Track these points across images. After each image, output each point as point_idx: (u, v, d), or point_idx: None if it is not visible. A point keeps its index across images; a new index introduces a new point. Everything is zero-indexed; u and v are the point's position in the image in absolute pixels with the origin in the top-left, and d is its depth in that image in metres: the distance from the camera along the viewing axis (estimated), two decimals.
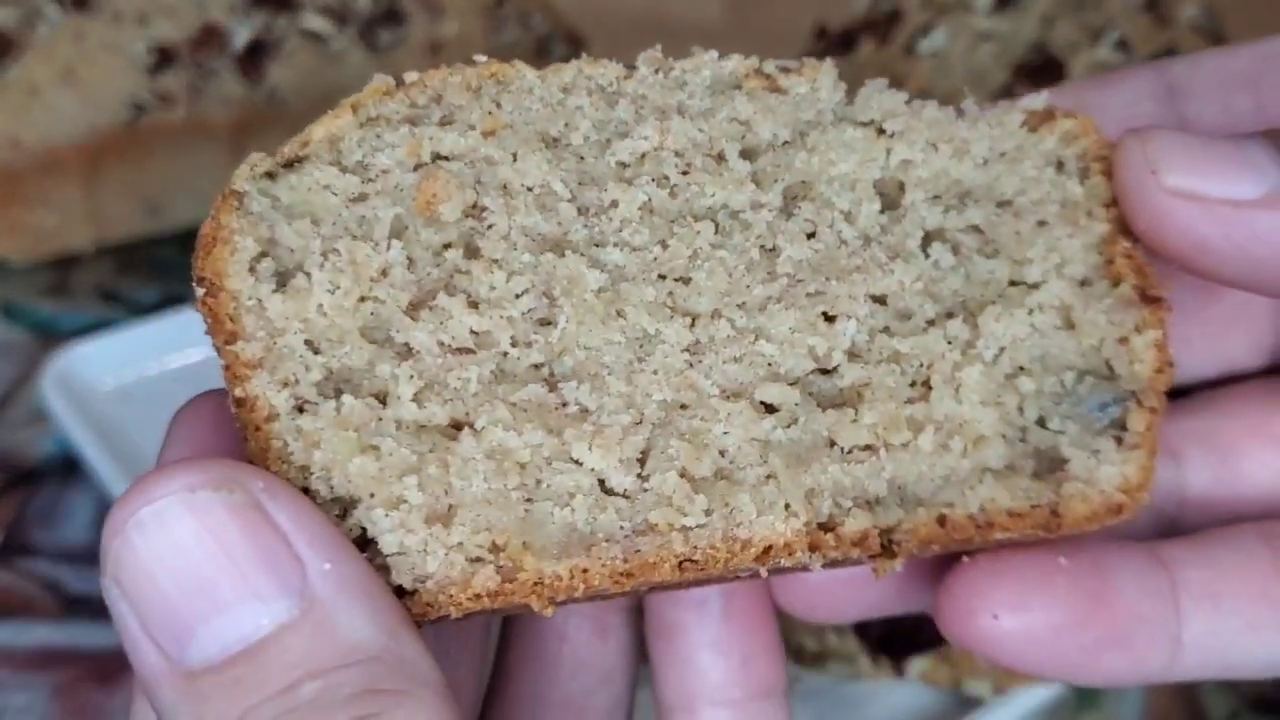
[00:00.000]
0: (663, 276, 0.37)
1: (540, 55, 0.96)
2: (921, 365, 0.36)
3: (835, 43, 0.78)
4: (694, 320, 0.36)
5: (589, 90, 0.38)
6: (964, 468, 0.36)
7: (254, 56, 0.86)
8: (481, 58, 0.37)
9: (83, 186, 0.84)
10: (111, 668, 0.65)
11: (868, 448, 0.36)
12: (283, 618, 0.30)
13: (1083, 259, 0.37)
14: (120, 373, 0.75)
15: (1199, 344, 0.42)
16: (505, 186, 0.36)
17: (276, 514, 0.31)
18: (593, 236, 0.37)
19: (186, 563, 0.30)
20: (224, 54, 0.85)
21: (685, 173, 0.37)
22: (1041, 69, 0.69)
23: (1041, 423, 0.36)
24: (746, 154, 0.38)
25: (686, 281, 0.37)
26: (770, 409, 0.36)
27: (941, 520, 0.35)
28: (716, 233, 0.37)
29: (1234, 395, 0.43)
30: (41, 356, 0.78)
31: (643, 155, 0.37)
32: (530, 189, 0.36)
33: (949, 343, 0.36)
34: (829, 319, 0.36)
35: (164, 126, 0.84)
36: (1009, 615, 0.37)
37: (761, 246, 0.37)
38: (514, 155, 0.37)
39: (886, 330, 0.37)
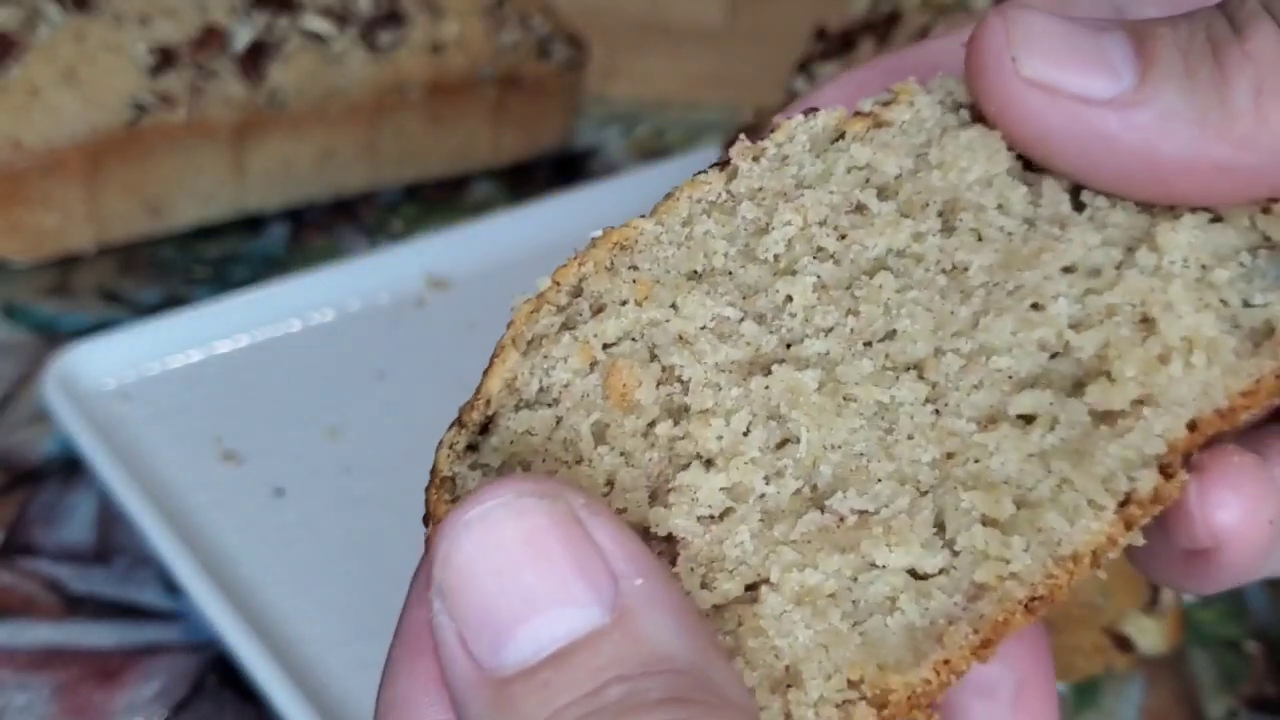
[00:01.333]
0: (868, 343, 0.36)
1: (541, 56, 0.96)
2: (1132, 306, 0.36)
3: (835, 44, 0.78)
4: (920, 369, 0.36)
5: (705, 211, 0.38)
6: (1213, 374, 0.35)
7: (255, 57, 0.86)
8: (597, 232, 0.37)
9: (84, 187, 0.84)
10: (112, 668, 0.65)
11: (1137, 402, 0.35)
12: (594, 623, 0.30)
13: None
14: (122, 373, 0.75)
15: None
16: (681, 338, 0.36)
17: (595, 529, 0.31)
18: (784, 339, 0.36)
19: (508, 563, 0.31)
20: (225, 55, 0.85)
21: (842, 237, 0.37)
22: None
23: (1245, 303, 0.36)
24: (883, 195, 0.38)
25: (893, 336, 0.36)
26: (1028, 419, 0.35)
27: (1192, 425, 0.35)
28: (896, 278, 0.37)
29: None
30: (43, 356, 0.78)
31: (790, 241, 0.37)
32: (705, 328, 0.36)
33: (1145, 273, 0.36)
34: (1038, 308, 0.36)
35: (165, 127, 0.84)
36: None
37: (943, 271, 0.37)
38: (674, 305, 0.36)
39: (1090, 292, 0.36)
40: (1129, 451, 0.35)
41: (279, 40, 0.86)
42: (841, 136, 0.38)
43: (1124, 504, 0.34)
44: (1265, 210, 0.37)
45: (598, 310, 0.36)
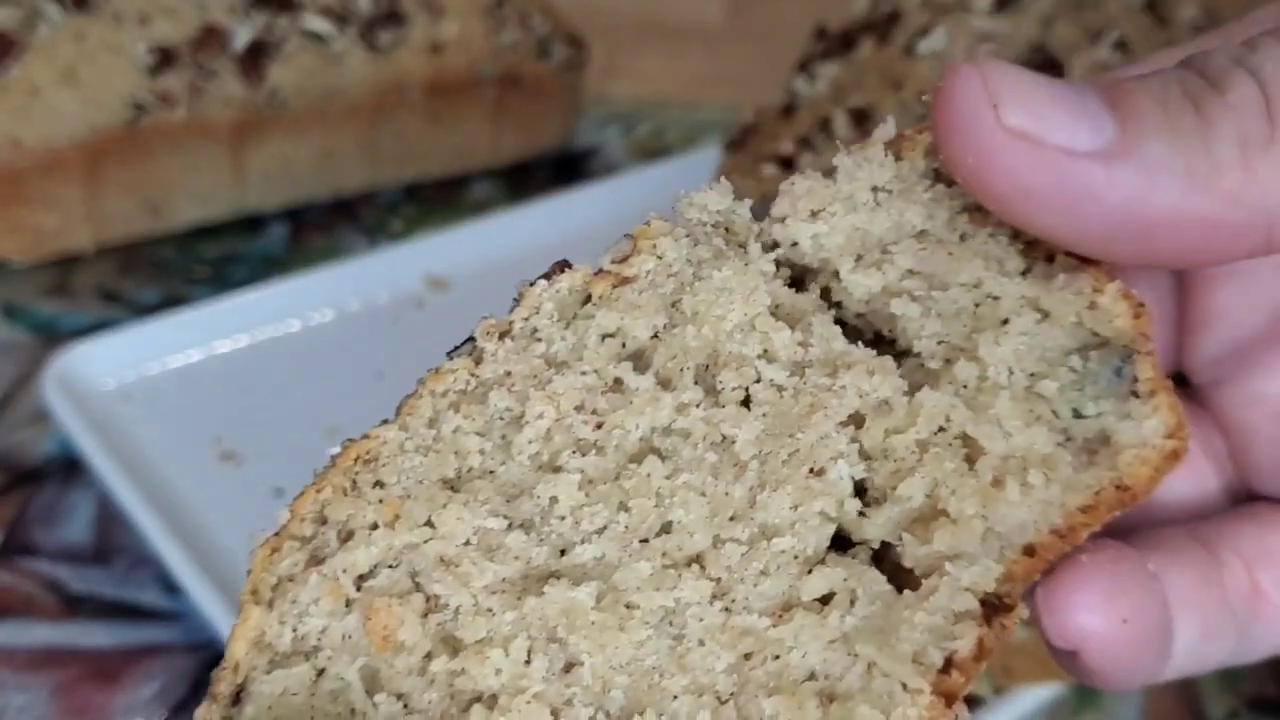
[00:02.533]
0: (644, 540, 0.33)
1: (540, 56, 0.96)
2: (945, 432, 0.34)
3: (835, 43, 0.78)
4: (701, 562, 0.33)
5: (453, 405, 0.34)
6: (1052, 493, 0.33)
7: (255, 57, 0.86)
8: (334, 449, 0.34)
9: (83, 187, 0.84)
10: (111, 668, 0.65)
11: (942, 557, 0.33)
12: None
13: (1011, 252, 0.36)
14: (121, 373, 0.75)
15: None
16: (443, 560, 0.33)
17: None
18: (555, 546, 0.33)
19: None
20: (225, 54, 0.85)
21: (599, 425, 0.34)
22: (1041, 69, 0.68)
23: (1077, 413, 0.35)
24: (640, 365, 0.35)
25: (669, 529, 0.33)
26: (825, 600, 0.33)
27: (1030, 550, 0.33)
28: (664, 462, 0.34)
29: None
30: (42, 356, 0.78)
31: (548, 432, 0.34)
32: (467, 543, 0.33)
33: (964, 387, 0.34)
34: (817, 473, 0.34)
35: (165, 127, 0.84)
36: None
37: (712, 445, 0.34)
38: (430, 523, 0.33)
39: (893, 432, 0.34)
40: (936, 618, 0.32)
41: (279, 40, 0.86)
42: (589, 300, 0.35)
43: (946, 669, 0.31)
44: (1091, 306, 0.35)
45: (346, 538, 0.33)
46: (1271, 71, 0.34)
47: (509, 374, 0.35)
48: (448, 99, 0.93)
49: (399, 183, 0.97)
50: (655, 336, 0.35)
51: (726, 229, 0.37)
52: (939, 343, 0.36)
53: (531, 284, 0.36)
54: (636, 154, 1.04)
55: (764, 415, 0.34)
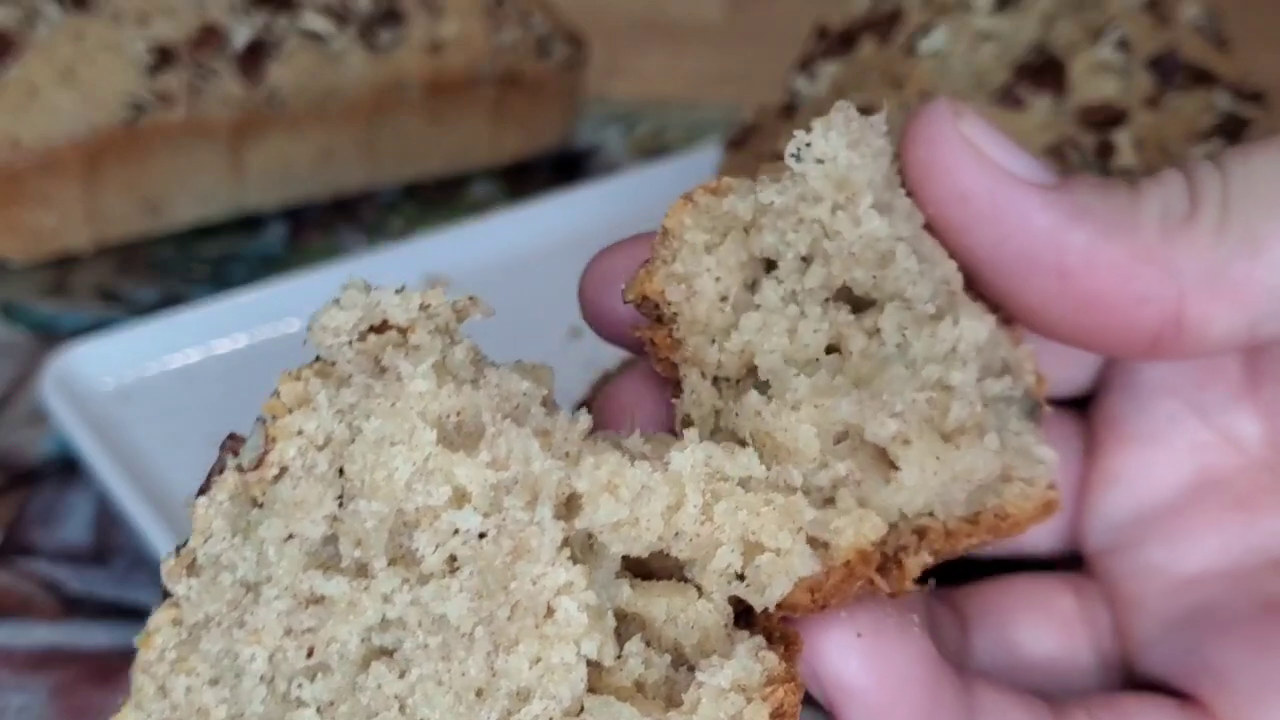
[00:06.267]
0: None
1: (540, 55, 0.96)
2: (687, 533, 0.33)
3: (835, 42, 0.78)
4: None
5: (173, 666, 0.33)
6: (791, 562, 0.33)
7: (254, 56, 0.86)
8: None
9: (82, 186, 0.84)
10: (110, 668, 0.65)
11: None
12: None
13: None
14: (120, 372, 0.75)
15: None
16: None
17: None
18: None
19: None
20: (224, 54, 0.85)
21: (311, 651, 0.32)
22: (1042, 69, 0.69)
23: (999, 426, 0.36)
24: (329, 566, 0.33)
25: None
26: None
27: (920, 531, 0.34)
28: (390, 663, 0.32)
29: (1020, 577, 0.44)
30: (41, 356, 0.78)
31: (269, 669, 0.32)
32: None
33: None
34: (549, 615, 0.31)
35: (164, 126, 0.84)
36: None
37: (431, 627, 0.32)
38: None
39: (672, 509, 0.33)
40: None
41: (278, 39, 0.86)
42: (255, 501, 0.33)
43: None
44: (1010, 354, 0.36)
45: None
46: (1195, 167, 0.36)
47: (208, 616, 0.33)
48: (447, 98, 0.93)
49: (398, 182, 0.97)
50: (335, 520, 0.32)
51: (363, 341, 0.33)
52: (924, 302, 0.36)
53: (196, 497, 0.33)
54: (637, 153, 1.04)
55: (471, 575, 0.32)
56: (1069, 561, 0.45)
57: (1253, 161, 0.36)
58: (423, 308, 0.34)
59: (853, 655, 0.34)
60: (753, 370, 0.36)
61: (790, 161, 0.35)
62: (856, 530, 0.33)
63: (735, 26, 1.18)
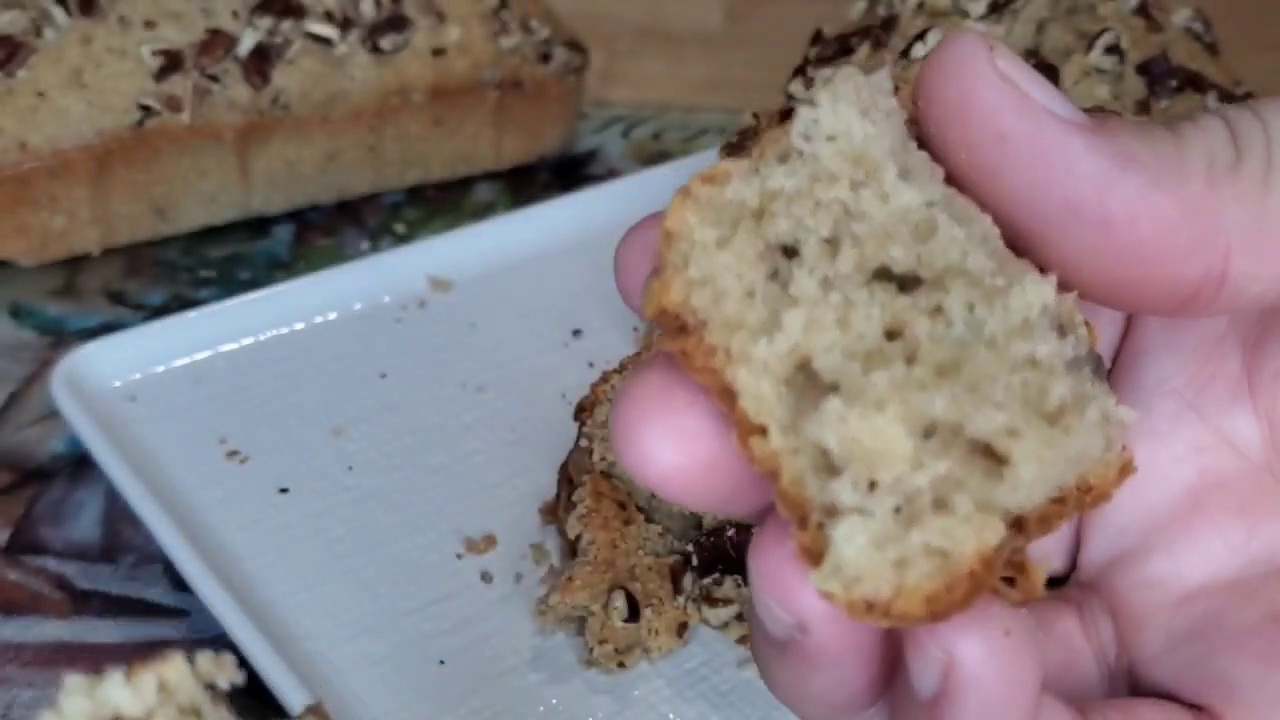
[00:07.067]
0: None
1: (541, 61, 0.97)
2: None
3: (832, 48, 0.78)
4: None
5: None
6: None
7: (259, 61, 0.86)
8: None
9: (90, 189, 0.85)
10: (119, 664, 0.65)
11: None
12: None
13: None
14: (128, 372, 0.75)
15: None
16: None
17: None
18: None
19: None
20: (230, 59, 0.86)
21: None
22: None
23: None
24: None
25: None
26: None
27: (1017, 524, 0.32)
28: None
29: None
30: (50, 356, 0.78)
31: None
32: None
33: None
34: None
35: (171, 130, 0.85)
36: None
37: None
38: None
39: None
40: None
41: (283, 44, 0.87)
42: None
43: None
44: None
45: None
46: (1236, 115, 0.35)
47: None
48: (450, 103, 0.94)
49: (402, 185, 0.98)
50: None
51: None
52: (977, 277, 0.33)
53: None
54: (636, 157, 1.05)
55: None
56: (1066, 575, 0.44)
57: None
58: (160, 689, 0.31)
59: (1005, 653, 0.32)
60: (802, 367, 0.32)
61: (799, 142, 0.33)
62: (979, 535, 0.30)
63: (734, 34, 1.19)
